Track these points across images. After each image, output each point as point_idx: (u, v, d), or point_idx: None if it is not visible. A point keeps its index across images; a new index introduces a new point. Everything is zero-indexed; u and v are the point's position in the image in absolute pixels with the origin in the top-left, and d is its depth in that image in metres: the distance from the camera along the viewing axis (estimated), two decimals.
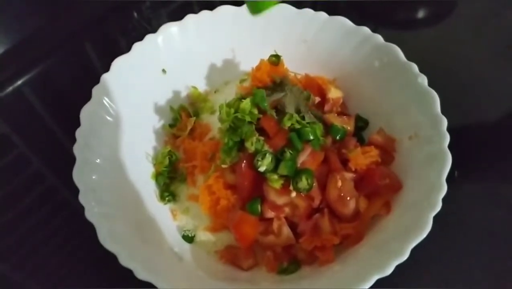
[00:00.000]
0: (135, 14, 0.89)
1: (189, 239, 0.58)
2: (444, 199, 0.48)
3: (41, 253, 0.60)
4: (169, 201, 0.61)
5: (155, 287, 0.45)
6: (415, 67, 0.58)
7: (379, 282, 0.44)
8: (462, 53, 0.80)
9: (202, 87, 0.70)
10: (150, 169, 0.62)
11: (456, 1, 0.89)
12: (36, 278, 0.58)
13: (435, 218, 0.47)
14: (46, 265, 0.59)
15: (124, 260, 0.46)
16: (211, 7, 0.67)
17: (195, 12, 0.66)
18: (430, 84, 0.57)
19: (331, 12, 0.66)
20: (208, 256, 0.57)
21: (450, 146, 0.52)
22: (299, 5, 0.67)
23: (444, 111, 0.55)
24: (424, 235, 0.45)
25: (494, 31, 0.83)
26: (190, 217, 0.60)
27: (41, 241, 0.61)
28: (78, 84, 0.61)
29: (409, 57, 0.60)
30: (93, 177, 0.53)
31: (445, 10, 0.88)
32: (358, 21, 0.64)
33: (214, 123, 0.64)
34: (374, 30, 0.63)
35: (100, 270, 0.55)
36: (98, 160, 0.54)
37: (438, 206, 0.47)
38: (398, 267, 0.44)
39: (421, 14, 0.90)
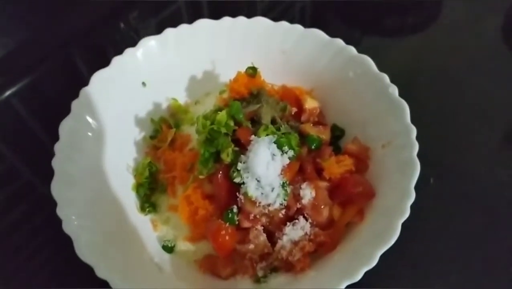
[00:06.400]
0: (123, 25, 0.90)
1: (169, 249, 0.59)
2: (420, 205, 0.49)
3: (29, 266, 0.60)
4: (149, 212, 0.62)
5: None
6: (386, 77, 0.59)
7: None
8: (441, 61, 0.81)
9: (182, 99, 0.71)
10: (130, 181, 0.63)
11: (440, 10, 0.91)
12: None
13: (411, 223, 0.48)
14: (33, 279, 0.59)
15: (101, 272, 0.47)
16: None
17: (184, 23, 0.68)
18: (408, 92, 0.58)
19: (318, 20, 0.67)
20: (187, 266, 0.58)
21: (425, 153, 0.53)
22: (285, 13, 0.68)
23: (421, 118, 0.56)
24: (392, 241, 0.47)
25: (475, 39, 0.85)
26: (170, 227, 0.61)
27: (30, 254, 0.61)
28: (66, 95, 0.61)
29: (389, 66, 0.61)
30: (73, 190, 0.53)
31: (428, 19, 0.90)
32: (344, 29, 0.65)
33: (194, 134, 0.64)
34: (360, 38, 0.64)
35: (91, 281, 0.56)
36: (78, 173, 0.55)
37: (407, 213, 0.48)
38: (372, 272, 0.45)
39: (406, 22, 0.92)
